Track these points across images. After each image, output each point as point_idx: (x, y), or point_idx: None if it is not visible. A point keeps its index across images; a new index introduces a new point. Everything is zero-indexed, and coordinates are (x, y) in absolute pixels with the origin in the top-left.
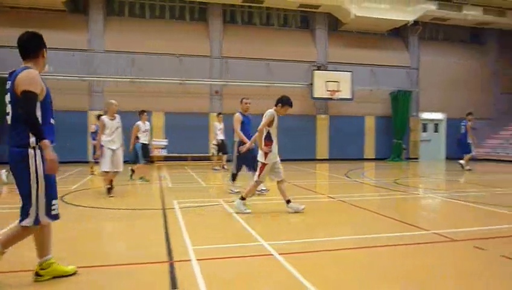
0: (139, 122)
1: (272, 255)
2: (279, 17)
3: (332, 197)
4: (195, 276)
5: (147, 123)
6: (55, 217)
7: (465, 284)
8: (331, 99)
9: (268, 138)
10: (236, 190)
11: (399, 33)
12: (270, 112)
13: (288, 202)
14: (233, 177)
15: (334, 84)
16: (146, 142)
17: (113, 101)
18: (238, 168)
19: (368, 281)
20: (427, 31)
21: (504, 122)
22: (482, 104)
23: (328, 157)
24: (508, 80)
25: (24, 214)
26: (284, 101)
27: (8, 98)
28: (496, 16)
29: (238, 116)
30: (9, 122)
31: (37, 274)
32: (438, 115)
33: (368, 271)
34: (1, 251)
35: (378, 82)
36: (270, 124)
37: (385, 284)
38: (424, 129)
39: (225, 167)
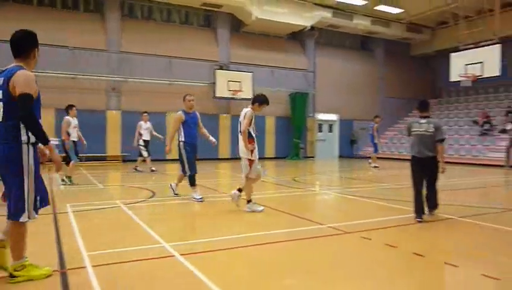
0: (69, 117)
1: (173, 256)
2: (181, 13)
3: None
4: (91, 284)
5: (75, 119)
6: (37, 212)
7: (353, 270)
8: (233, 99)
9: (250, 136)
10: (199, 197)
11: (297, 37)
12: (249, 111)
13: (248, 201)
14: (193, 180)
15: (236, 84)
16: (76, 139)
17: None
18: (195, 169)
19: (269, 276)
20: (322, 36)
21: (389, 123)
22: (370, 106)
23: (230, 157)
24: (392, 85)
25: (20, 209)
26: (261, 100)
27: None
28: (382, 27)
29: (179, 115)
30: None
31: (12, 276)
32: (332, 116)
33: (268, 266)
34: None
35: (278, 83)
36: (250, 123)
37: (285, 277)
38: (320, 129)
39: (153, 169)
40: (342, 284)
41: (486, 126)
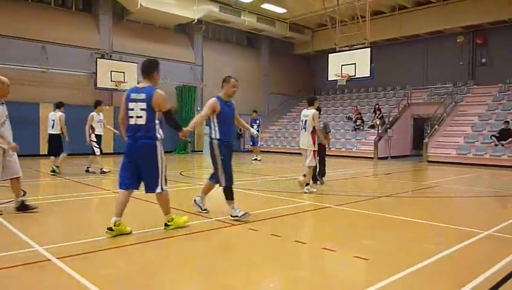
0: (93, 113)
1: (49, 260)
2: None
3: (117, 192)
4: None
5: (100, 114)
6: (166, 184)
7: (239, 261)
8: (116, 90)
9: (314, 131)
10: (242, 214)
11: (185, 30)
12: (315, 112)
13: (307, 184)
14: (229, 193)
15: (119, 74)
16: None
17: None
18: (231, 177)
19: (155, 273)
20: (210, 31)
21: (274, 118)
22: (256, 102)
23: (113, 151)
24: (276, 81)
25: (154, 185)
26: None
27: (141, 106)
28: (267, 25)
29: (214, 103)
30: (142, 122)
31: (166, 225)
32: None
33: (154, 263)
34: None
35: (165, 76)
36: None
37: (172, 273)
38: (207, 123)
39: (105, 170)
40: (228, 276)
41: (359, 122)
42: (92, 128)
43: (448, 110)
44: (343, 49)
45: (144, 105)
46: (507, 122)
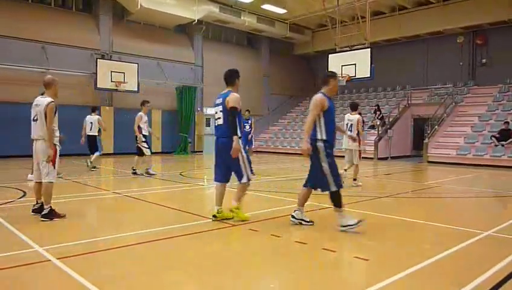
0: (141, 113)
1: (49, 260)
2: None
3: (118, 193)
4: None
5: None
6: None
7: (240, 261)
8: (116, 90)
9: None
10: (355, 222)
11: (185, 30)
12: (360, 117)
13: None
14: (338, 199)
15: (119, 75)
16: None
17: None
18: (340, 182)
19: (156, 273)
20: (210, 31)
21: (274, 119)
22: (256, 102)
23: (112, 152)
24: (276, 82)
25: (239, 177)
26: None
27: (219, 108)
28: (267, 25)
29: (321, 99)
30: (221, 122)
31: (232, 211)
32: None
33: (154, 263)
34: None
35: (165, 76)
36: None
37: (172, 273)
38: (208, 124)
39: (151, 171)
40: (229, 276)
41: None
42: (139, 128)
43: (448, 110)
44: (344, 49)
45: (221, 108)
46: (507, 122)
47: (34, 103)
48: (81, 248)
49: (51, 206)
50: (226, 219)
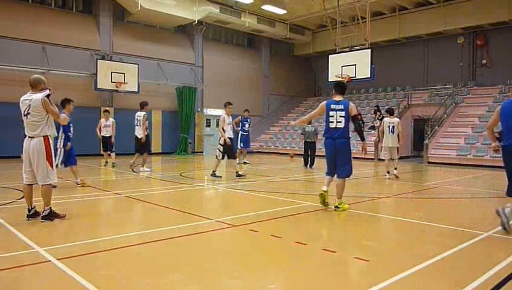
0: (225, 115)
1: (49, 261)
2: None
3: (118, 194)
4: None
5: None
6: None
7: (240, 263)
8: (116, 91)
9: None
10: None
11: (185, 31)
12: (398, 121)
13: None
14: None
15: (120, 75)
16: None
17: None
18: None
19: (155, 273)
20: (210, 32)
21: (274, 119)
22: (256, 103)
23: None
24: (276, 83)
25: (345, 172)
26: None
27: (340, 114)
28: (267, 26)
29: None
30: (341, 126)
31: (337, 207)
32: (220, 112)
33: (154, 264)
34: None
35: (165, 77)
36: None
37: (171, 273)
38: (208, 124)
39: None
40: (229, 277)
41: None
42: (223, 130)
43: (448, 111)
44: (344, 50)
45: (342, 113)
46: None
47: (23, 98)
48: (81, 248)
49: (51, 208)
50: (343, 210)
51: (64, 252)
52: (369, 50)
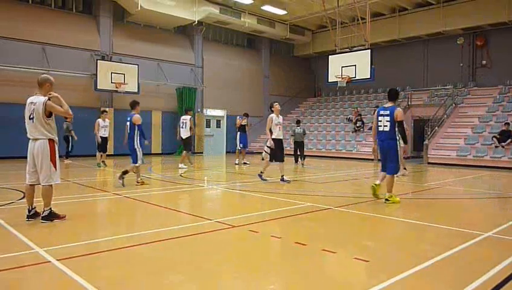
0: (272, 115)
1: (49, 262)
2: None
3: (118, 194)
4: None
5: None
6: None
7: (240, 263)
8: (116, 91)
9: None
10: None
11: (185, 31)
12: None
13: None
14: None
15: (119, 76)
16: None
17: None
18: None
19: (156, 274)
20: (210, 32)
21: None
22: (256, 104)
23: (113, 153)
24: (276, 83)
25: (391, 170)
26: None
27: (387, 119)
28: (267, 26)
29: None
30: (387, 129)
31: (386, 200)
32: (219, 112)
33: (154, 264)
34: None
35: (165, 77)
36: None
37: (171, 274)
38: (208, 125)
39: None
40: (229, 277)
41: (359, 123)
42: (271, 131)
43: (448, 111)
44: (344, 50)
45: (388, 118)
46: (507, 123)
47: (29, 101)
48: (81, 249)
49: (51, 208)
50: (393, 202)
51: (64, 253)
52: (369, 50)
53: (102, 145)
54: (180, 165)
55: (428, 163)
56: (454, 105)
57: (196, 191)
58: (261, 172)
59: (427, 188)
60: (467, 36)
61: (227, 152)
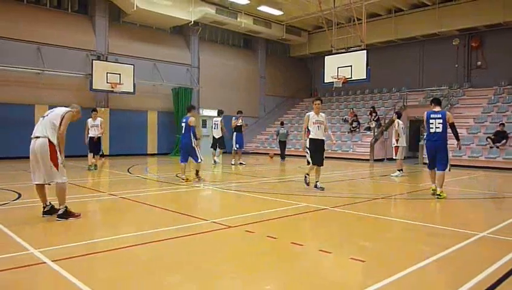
0: (311, 113)
1: (44, 263)
2: None
3: (114, 195)
4: None
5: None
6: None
7: (237, 263)
8: (112, 92)
9: None
10: None
11: (181, 32)
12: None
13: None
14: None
15: (115, 76)
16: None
17: None
18: None
19: (153, 275)
20: (207, 32)
21: (269, 120)
22: (253, 104)
23: (108, 153)
24: (272, 84)
25: (443, 167)
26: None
27: (439, 121)
28: (263, 27)
29: None
30: (439, 131)
31: (438, 195)
32: (216, 112)
33: (151, 265)
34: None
35: (161, 77)
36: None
37: (169, 274)
38: (204, 125)
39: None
40: (226, 277)
41: (355, 124)
42: (308, 131)
43: None
44: (340, 51)
45: (440, 121)
46: (502, 124)
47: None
48: (76, 250)
49: (66, 206)
50: (443, 197)
51: (59, 254)
52: (365, 51)
53: (92, 145)
54: (216, 160)
55: (424, 163)
56: (449, 106)
57: (192, 191)
58: (307, 174)
59: (423, 188)
60: (463, 37)
61: (223, 152)
